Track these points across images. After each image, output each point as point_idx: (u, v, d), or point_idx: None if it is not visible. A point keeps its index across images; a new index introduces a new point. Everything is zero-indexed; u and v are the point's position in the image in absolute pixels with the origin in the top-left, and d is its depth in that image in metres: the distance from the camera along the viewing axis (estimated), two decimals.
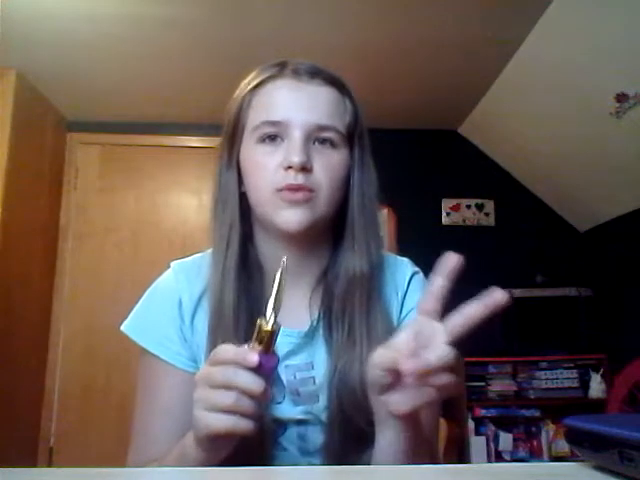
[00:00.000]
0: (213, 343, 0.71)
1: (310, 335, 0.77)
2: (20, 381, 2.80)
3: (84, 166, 3.33)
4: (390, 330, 0.74)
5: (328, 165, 0.74)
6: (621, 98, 2.39)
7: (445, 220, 3.45)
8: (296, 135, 0.73)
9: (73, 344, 3.11)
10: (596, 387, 2.96)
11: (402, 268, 0.84)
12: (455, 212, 3.46)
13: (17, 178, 2.75)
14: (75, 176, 3.31)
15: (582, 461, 0.48)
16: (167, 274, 0.82)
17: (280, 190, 0.72)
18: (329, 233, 0.80)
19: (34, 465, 2.87)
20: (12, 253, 2.72)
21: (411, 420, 0.60)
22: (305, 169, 0.72)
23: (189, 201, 3.32)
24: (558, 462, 0.55)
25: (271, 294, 0.56)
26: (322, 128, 0.74)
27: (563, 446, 2.93)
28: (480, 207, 3.47)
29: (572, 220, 3.45)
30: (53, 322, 3.14)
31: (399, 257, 0.87)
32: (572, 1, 2.18)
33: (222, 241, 0.76)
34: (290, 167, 0.71)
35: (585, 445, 0.46)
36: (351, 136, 0.78)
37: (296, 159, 0.71)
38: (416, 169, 3.42)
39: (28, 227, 2.90)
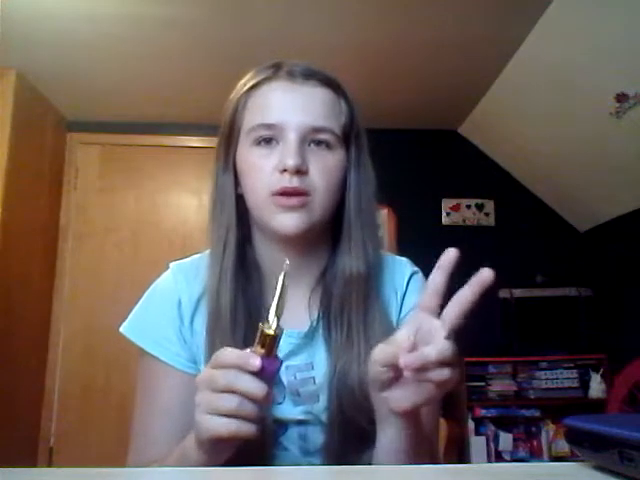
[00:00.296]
0: (211, 344, 0.71)
1: (310, 336, 0.77)
2: (20, 381, 2.80)
3: (84, 166, 3.33)
4: (389, 330, 0.73)
5: (324, 167, 0.74)
6: (621, 98, 2.39)
7: (445, 220, 3.45)
8: (291, 137, 0.72)
9: (73, 344, 3.11)
10: (596, 387, 2.96)
11: (401, 268, 0.84)
12: (455, 212, 3.46)
13: (17, 178, 2.75)
14: (75, 176, 3.31)
15: (582, 461, 0.48)
16: (166, 275, 0.81)
17: (275, 194, 0.72)
18: (327, 234, 0.80)
19: (34, 465, 2.87)
20: (12, 253, 2.72)
21: (412, 417, 0.60)
22: (300, 172, 0.71)
23: (189, 201, 3.32)
24: (558, 462, 0.55)
25: (273, 297, 0.56)
26: (317, 130, 0.74)
27: (563, 446, 2.93)
28: (480, 207, 3.47)
29: (572, 220, 3.45)
30: (53, 322, 3.14)
31: (398, 257, 0.87)
32: (572, 1, 2.18)
33: (219, 242, 0.76)
34: (285, 170, 0.71)
35: (585, 445, 0.46)
36: (347, 137, 0.78)
37: (291, 162, 0.70)
38: (416, 169, 3.42)
39: (28, 227, 2.90)
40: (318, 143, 0.74)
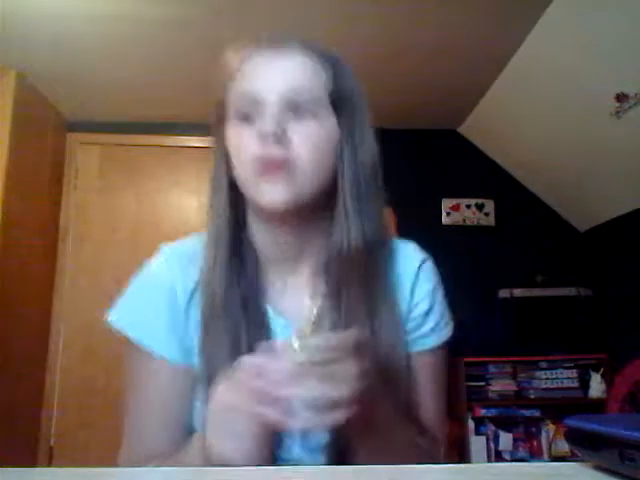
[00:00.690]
0: (205, 334, 0.70)
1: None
2: (20, 381, 2.80)
3: (84, 166, 3.33)
4: (398, 320, 0.72)
5: (309, 137, 0.69)
6: (621, 98, 2.39)
7: (445, 220, 3.45)
8: (270, 107, 0.68)
9: (73, 344, 3.11)
10: (596, 387, 2.96)
11: (410, 254, 0.80)
12: (455, 212, 3.46)
13: (17, 178, 2.75)
14: (75, 176, 3.31)
15: (582, 461, 0.47)
16: (158, 261, 0.78)
17: (256, 163, 0.68)
18: (324, 213, 0.74)
19: (34, 465, 2.87)
20: (12, 253, 2.72)
21: (356, 431, 0.60)
22: (279, 139, 0.67)
23: (189, 201, 3.32)
24: (558, 462, 0.55)
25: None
26: (299, 98, 0.69)
27: (563, 446, 2.93)
28: (480, 207, 3.47)
29: (572, 220, 3.45)
30: (53, 322, 3.14)
31: (405, 242, 0.82)
32: (572, 1, 2.18)
33: (214, 227, 0.74)
34: (264, 138, 0.67)
35: (585, 445, 0.46)
36: (337, 104, 0.72)
37: (267, 128, 0.67)
38: (416, 169, 3.42)
39: (28, 227, 2.90)
40: (302, 113, 0.69)
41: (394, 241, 0.80)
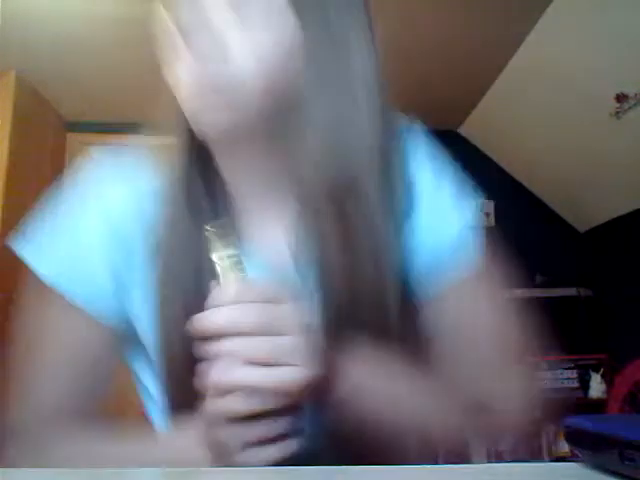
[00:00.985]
0: (159, 281, 0.54)
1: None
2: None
3: None
4: (388, 254, 0.56)
5: (254, 46, 0.51)
6: (621, 98, 2.39)
7: None
8: (201, 14, 0.51)
9: None
10: (596, 387, 2.96)
11: (423, 168, 0.63)
12: None
13: (18, 179, 2.75)
14: None
15: (582, 461, 0.48)
16: (86, 172, 0.62)
17: (192, 88, 0.54)
18: (299, 133, 0.56)
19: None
20: (13, 254, 2.71)
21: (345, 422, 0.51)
22: (214, 53, 0.51)
23: None
24: (558, 462, 0.55)
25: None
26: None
27: (563, 446, 2.93)
28: (480, 207, 3.47)
29: (572, 220, 3.45)
30: None
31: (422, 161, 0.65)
32: (572, 1, 2.18)
33: (174, 161, 0.61)
34: (196, 56, 0.52)
35: (585, 445, 0.46)
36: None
37: (199, 41, 0.51)
38: None
39: None
40: (244, 15, 0.51)
41: (397, 152, 0.62)
